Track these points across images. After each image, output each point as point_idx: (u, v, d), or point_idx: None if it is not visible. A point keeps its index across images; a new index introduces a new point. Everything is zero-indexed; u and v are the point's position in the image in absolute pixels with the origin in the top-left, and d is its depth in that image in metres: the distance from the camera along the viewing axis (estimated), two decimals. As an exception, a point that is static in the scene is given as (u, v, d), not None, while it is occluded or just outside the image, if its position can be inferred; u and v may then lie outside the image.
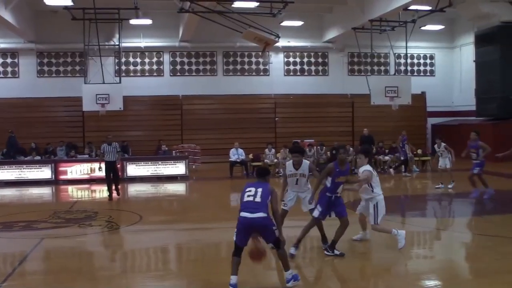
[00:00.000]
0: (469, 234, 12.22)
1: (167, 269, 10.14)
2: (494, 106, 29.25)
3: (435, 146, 19.98)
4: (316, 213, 10.21)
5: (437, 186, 19.36)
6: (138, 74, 31.20)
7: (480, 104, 30.47)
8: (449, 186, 19.17)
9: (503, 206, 15.99)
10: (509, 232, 12.05)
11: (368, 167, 10.42)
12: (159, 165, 23.83)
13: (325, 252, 10.20)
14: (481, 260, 10.12)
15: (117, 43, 26.90)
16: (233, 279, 8.11)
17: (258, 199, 8.13)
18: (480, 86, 30.40)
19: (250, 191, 8.28)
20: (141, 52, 31.07)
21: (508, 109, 29.07)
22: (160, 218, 15.19)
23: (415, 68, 34.51)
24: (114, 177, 18.25)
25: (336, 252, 10.07)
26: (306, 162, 10.52)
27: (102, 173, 18.52)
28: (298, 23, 30.36)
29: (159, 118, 30.33)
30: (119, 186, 18.65)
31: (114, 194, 18.21)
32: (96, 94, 24.11)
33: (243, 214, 8.14)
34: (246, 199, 8.21)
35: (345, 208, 10.34)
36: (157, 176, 23.61)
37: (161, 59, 31.48)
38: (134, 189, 21.51)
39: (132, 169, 23.44)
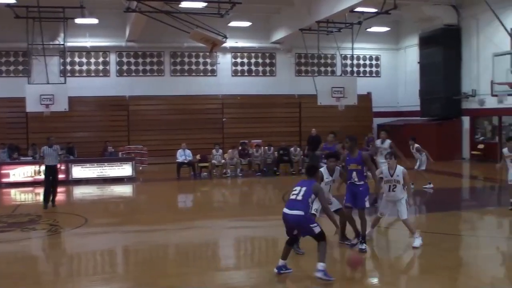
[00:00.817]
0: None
1: (114, 272, 9.99)
2: (438, 106, 29.97)
3: (410, 147, 18.95)
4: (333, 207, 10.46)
5: (425, 186, 18.65)
6: (84, 75, 30.76)
7: (424, 104, 31.17)
8: (426, 186, 18.57)
9: (444, 204, 16.35)
10: (450, 228, 12.33)
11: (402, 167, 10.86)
12: (105, 166, 23.44)
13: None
14: (425, 256, 10.34)
15: (62, 43, 26.34)
16: (280, 262, 8.83)
17: (299, 197, 8.63)
18: (424, 87, 31.11)
19: (295, 190, 8.79)
20: (87, 52, 30.62)
21: (450, 109, 29.85)
22: (106, 221, 14.94)
23: (361, 69, 35.03)
24: (53, 184, 16.84)
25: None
26: (337, 169, 10.69)
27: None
28: (246, 23, 30.43)
29: (105, 119, 29.95)
30: (56, 196, 16.99)
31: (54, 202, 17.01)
32: (40, 95, 23.58)
33: (284, 210, 8.73)
34: (290, 197, 8.77)
35: (364, 200, 10.48)
36: (103, 178, 23.24)
37: (108, 59, 31.10)
38: (79, 192, 21.08)
39: (78, 171, 22.99)
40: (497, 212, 15.59)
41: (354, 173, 10.45)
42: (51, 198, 16.78)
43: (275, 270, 8.79)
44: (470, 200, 18.98)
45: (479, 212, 15.59)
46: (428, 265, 9.77)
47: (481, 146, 29.02)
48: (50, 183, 16.78)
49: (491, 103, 25.91)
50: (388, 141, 15.42)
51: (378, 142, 15.47)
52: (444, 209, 15.34)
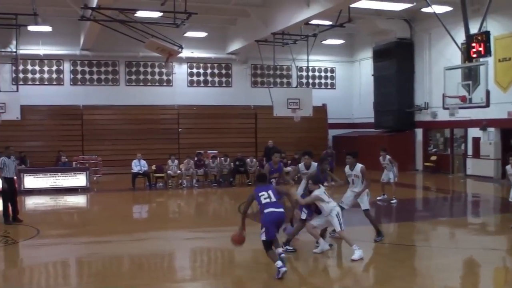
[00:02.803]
0: (366, 242, 12.47)
1: (66, 284, 9.80)
2: (391, 118, 30.47)
3: (380, 158, 18.93)
4: (303, 216, 11.22)
5: (379, 198, 18.67)
6: (37, 83, 30.29)
7: (378, 116, 31.63)
8: (392, 201, 18.30)
9: (397, 214, 16.54)
10: (402, 239, 12.49)
11: (317, 192, 10.80)
12: (58, 176, 23.04)
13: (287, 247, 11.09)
14: (378, 267, 10.46)
15: (14, 50, 25.85)
16: (279, 263, 9.07)
17: (274, 199, 9.63)
18: (378, 99, 31.58)
19: (263, 194, 9.66)
20: (40, 60, 30.16)
21: (403, 121, 30.40)
22: (59, 232, 14.67)
23: (317, 81, 35.38)
24: (13, 198, 15.49)
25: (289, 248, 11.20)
26: (358, 165, 12.08)
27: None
28: (202, 34, 30.46)
29: (59, 128, 29.50)
30: (18, 211, 15.77)
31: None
32: (-9, 103, 23.11)
33: (271, 209, 9.47)
34: (265, 201, 9.58)
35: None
36: (56, 188, 22.83)
37: (61, 67, 30.68)
38: (32, 202, 20.68)
39: (30, 181, 22.54)
40: (450, 223, 15.90)
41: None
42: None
43: (282, 268, 8.98)
44: (423, 210, 19.27)
45: (432, 222, 15.84)
46: (382, 275, 9.88)
47: (433, 157, 29.60)
48: (9, 196, 15.49)
49: (443, 115, 26.37)
50: (315, 164, 13.06)
51: (301, 166, 12.89)
52: (398, 219, 15.53)
